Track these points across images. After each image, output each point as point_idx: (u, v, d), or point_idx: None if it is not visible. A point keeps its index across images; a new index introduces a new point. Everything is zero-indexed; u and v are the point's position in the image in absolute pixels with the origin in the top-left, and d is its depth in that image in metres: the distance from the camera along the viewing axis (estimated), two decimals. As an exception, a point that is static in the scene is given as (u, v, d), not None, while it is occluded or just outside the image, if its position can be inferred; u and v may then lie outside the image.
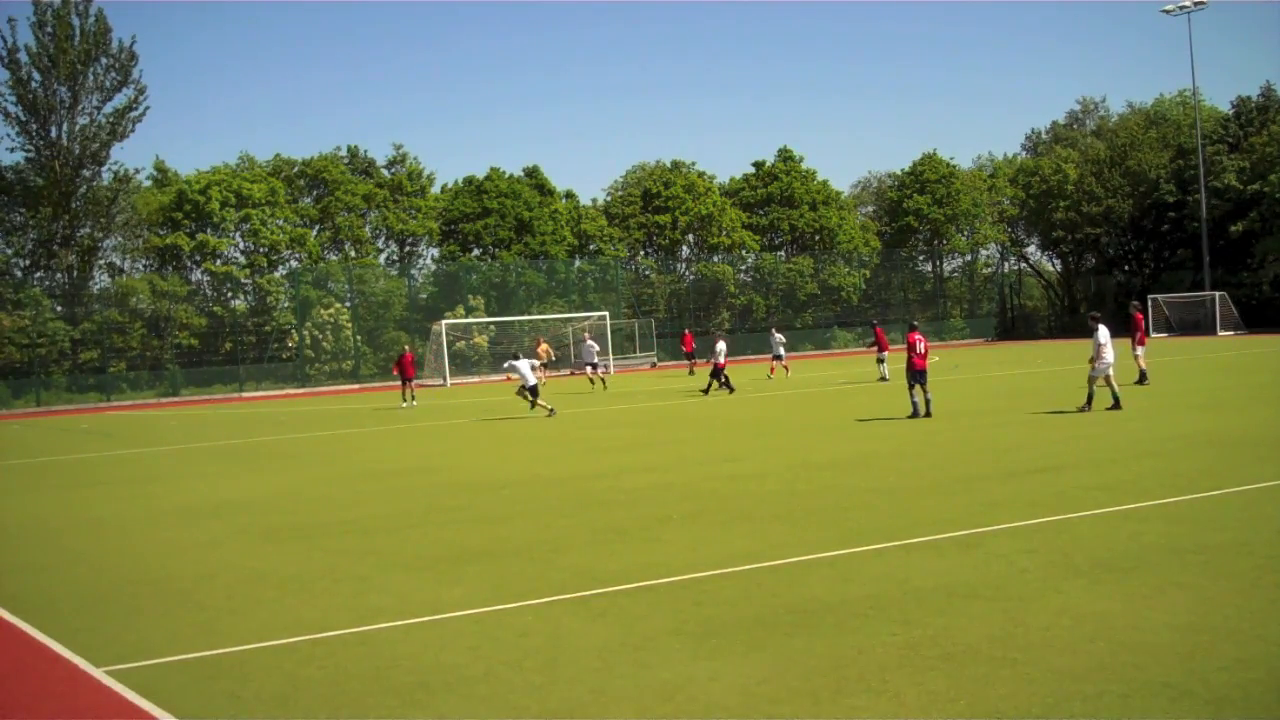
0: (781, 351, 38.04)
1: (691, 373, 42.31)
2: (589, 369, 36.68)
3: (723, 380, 30.37)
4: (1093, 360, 19.39)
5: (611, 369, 52.81)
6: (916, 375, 19.95)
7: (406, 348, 35.02)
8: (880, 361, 32.71)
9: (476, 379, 53.18)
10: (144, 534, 12.58)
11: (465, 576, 9.22)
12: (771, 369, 37.63)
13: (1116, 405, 19.23)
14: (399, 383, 34.49)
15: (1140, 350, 25.65)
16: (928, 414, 19.79)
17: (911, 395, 20.08)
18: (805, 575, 8.51)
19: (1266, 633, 6.45)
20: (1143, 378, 24.93)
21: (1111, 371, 19.40)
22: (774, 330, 39.64)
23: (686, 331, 50.22)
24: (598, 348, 37.87)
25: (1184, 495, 10.91)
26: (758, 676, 6.18)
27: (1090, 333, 19.75)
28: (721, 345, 30.96)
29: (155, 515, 13.96)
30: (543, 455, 18.56)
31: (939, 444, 16.37)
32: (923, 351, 20.10)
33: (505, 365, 27.99)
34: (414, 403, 33.05)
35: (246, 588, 9.32)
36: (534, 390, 26.39)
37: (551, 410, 26.22)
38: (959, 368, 37.11)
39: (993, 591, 7.68)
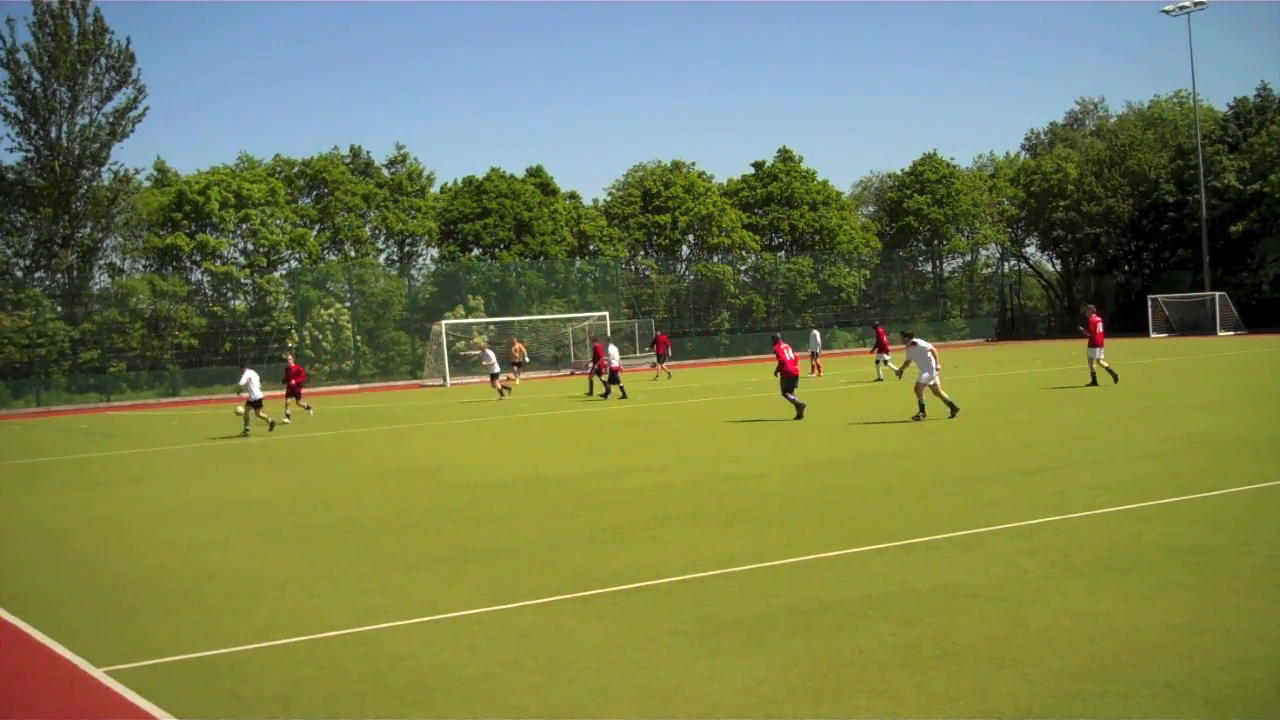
0: (816, 349, 38.04)
1: (656, 379, 42.28)
2: (490, 379, 35.53)
3: (606, 383, 31.58)
4: (906, 367, 20.10)
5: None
6: (790, 381, 21.80)
7: (291, 358, 30.51)
8: (883, 362, 32.77)
9: (476, 379, 53.19)
10: (144, 534, 12.57)
11: (465, 576, 9.22)
12: (813, 367, 37.62)
13: (953, 412, 19.40)
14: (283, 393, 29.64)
15: (1098, 353, 25.39)
16: (798, 416, 21.29)
17: (791, 398, 21.77)
18: (805, 575, 8.50)
19: (1266, 633, 6.45)
20: (1094, 379, 25.05)
21: (938, 380, 19.57)
22: (813, 329, 39.76)
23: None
24: (493, 356, 36.75)
25: (1184, 495, 10.91)
26: (758, 676, 6.18)
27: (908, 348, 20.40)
28: (613, 349, 32.03)
29: (155, 515, 13.96)
30: (543, 455, 18.56)
31: (939, 444, 16.37)
32: (792, 358, 22.07)
33: (244, 378, 25.78)
34: (310, 412, 29.61)
35: (246, 588, 9.32)
36: (257, 404, 25.36)
37: (272, 424, 25.57)
38: (959, 368, 37.09)
39: (993, 591, 7.68)
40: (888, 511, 10.99)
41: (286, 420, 28.55)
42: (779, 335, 24.30)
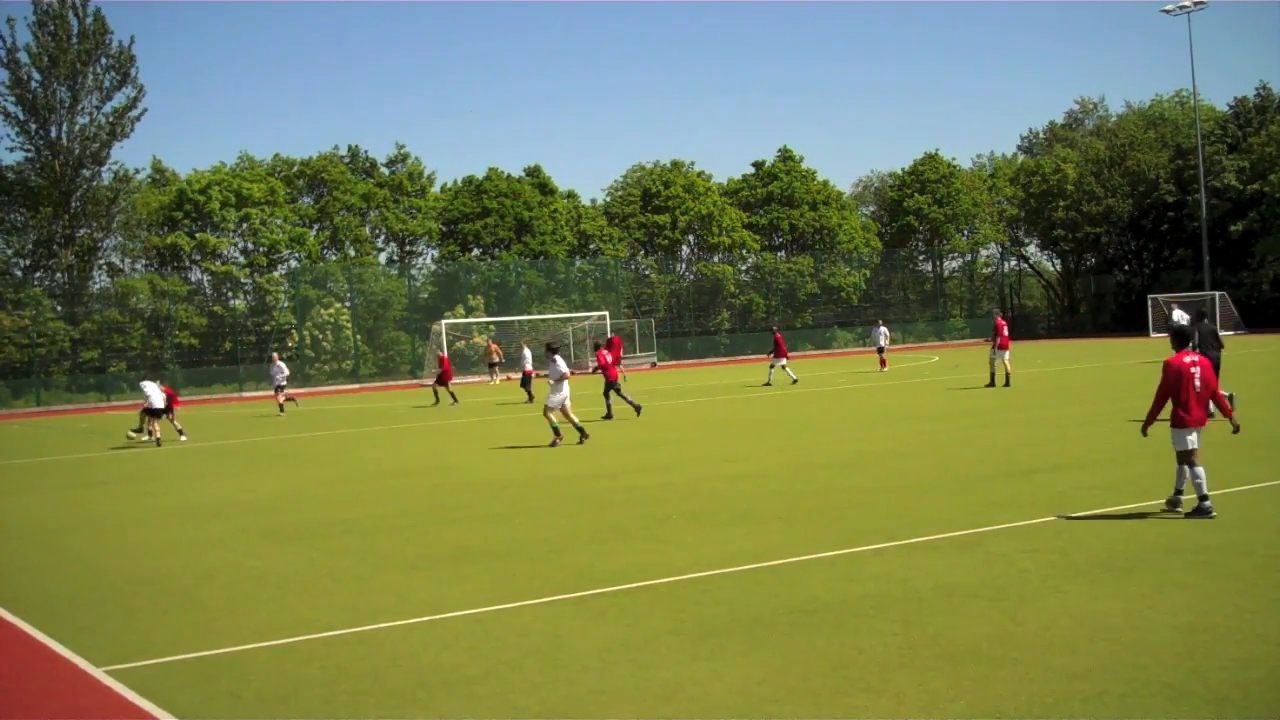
0: (884, 343, 38.00)
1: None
2: (276, 392, 33.54)
3: (527, 388, 31.53)
4: (533, 380, 19.72)
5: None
6: (613, 384, 23.37)
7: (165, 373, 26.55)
8: (780, 367, 33.32)
9: (476, 379, 53.19)
10: (144, 534, 12.58)
11: (465, 576, 9.22)
12: (883, 362, 37.63)
13: (583, 437, 19.10)
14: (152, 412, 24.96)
15: (1004, 354, 26.63)
16: (608, 417, 22.88)
17: (608, 400, 23.28)
18: (805, 575, 8.50)
19: (1266, 633, 6.45)
20: (996, 380, 26.12)
21: (569, 404, 19.12)
22: (880, 323, 39.83)
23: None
24: (286, 370, 34.27)
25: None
26: (758, 676, 6.18)
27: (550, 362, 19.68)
28: (527, 353, 32.12)
29: (155, 515, 13.96)
30: (543, 455, 18.54)
31: (939, 444, 16.37)
32: (611, 362, 23.73)
33: (142, 385, 24.52)
34: (167, 436, 25.39)
35: (246, 588, 9.32)
36: (155, 413, 23.98)
37: (149, 441, 24.10)
38: (959, 367, 37.09)
39: (993, 591, 7.68)
40: (888, 511, 10.99)
41: (183, 439, 25.32)
42: (600, 342, 26.37)
